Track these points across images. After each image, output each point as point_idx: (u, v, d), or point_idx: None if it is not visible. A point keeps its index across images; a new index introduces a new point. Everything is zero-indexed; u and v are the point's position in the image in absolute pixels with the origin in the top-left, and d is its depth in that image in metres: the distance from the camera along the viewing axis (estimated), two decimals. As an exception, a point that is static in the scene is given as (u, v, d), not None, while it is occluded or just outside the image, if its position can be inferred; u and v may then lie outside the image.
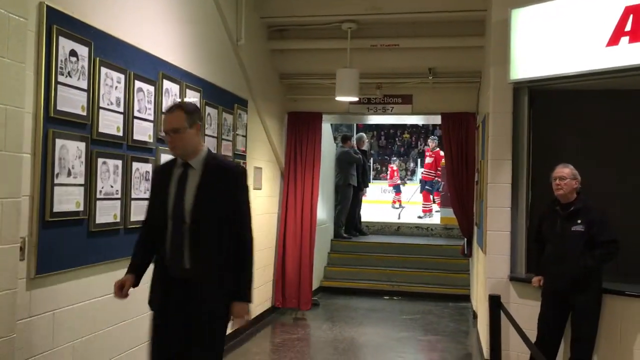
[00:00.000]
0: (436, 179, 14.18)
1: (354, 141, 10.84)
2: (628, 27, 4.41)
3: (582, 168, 4.63)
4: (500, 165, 5.36)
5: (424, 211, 14.36)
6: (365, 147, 11.20)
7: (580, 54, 4.73)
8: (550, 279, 4.64)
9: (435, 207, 14.42)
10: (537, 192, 5.39)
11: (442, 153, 13.10)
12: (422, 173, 14.97)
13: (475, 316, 7.38)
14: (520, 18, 5.14)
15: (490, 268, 5.37)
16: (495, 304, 3.68)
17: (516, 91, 5.35)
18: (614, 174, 5.32)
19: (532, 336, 4.55)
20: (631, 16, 4.40)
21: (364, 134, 11.69)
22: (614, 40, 4.50)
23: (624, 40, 4.44)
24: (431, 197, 14.50)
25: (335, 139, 10.73)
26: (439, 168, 13.61)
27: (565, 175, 4.50)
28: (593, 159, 5.23)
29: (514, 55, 5.16)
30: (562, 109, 5.52)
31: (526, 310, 4.97)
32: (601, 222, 4.42)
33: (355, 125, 14.02)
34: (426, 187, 14.68)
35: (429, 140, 15.01)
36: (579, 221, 4.45)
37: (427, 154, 14.42)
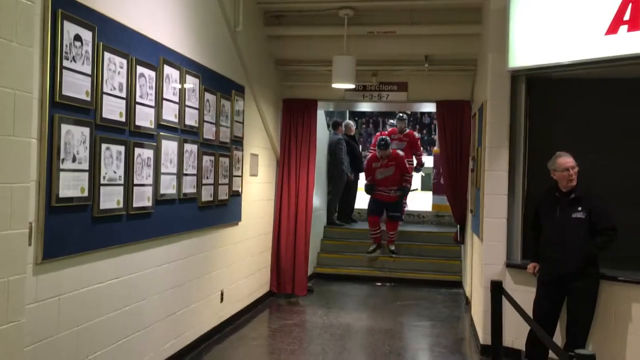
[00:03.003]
0: (418, 166, 11.18)
1: (344, 127, 10.81)
2: (627, 16, 4.45)
3: (576, 155, 4.69)
4: (498, 152, 5.42)
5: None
6: (353, 133, 11.17)
7: (579, 42, 4.77)
8: (548, 266, 4.71)
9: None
10: (532, 179, 5.46)
11: (417, 134, 11.39)
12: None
13: (467, 302, 7.47)
14: (519, 6, 5.17)
15: (487, 255, 5.43)
16: (497, 289, 3.73)
17: (514, 79, 5.40)
18: (609, 162, 5.37)
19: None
20: (630, 5, 4.44)
21: (350, 121, 11.62)
22: (612, 29, 4.54)
23: (623, 28, 4.48)
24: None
25: (328, 125, 10.72)
26: (418, 152, 10.99)
27: (575, 164, 4.56)
28: (588, 147, 5.28)
29: (512, 43, 5.19)
30: (559, 97, 5.56)
31: (521, 296, 5.01)
32: (601, 209, 4.49)
33: (347, 112, 13.64)
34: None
35: (395, 121, 11.12)
36: (580, 208, 4.52)
37: (393, 137, 10.55)
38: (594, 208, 4.53)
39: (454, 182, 7.84)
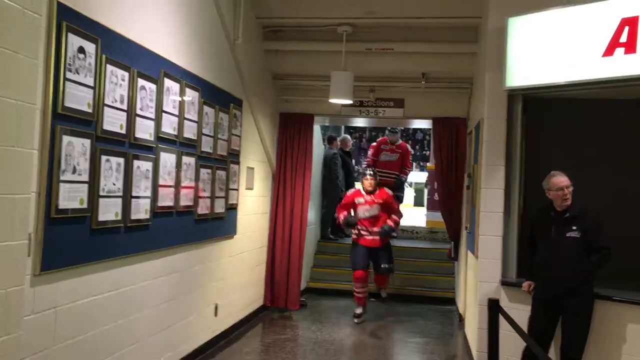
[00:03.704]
0: (403, 177, 10.60)
1: (339, 142, 10.87)
2: (623, 39, 4.51)
3: (572, 174, 4.71)
4: (494, 170, 5.44)
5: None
6: (349, 148, 11.22)
7: (576, 63, 4.82)
8: (544, 284, 4.72)
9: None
10: (528, 197, 5.48)
11: (410, 148, 11.20)
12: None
13: (461, 319, 7.47)
14: (517, 26, 5.22)
15: (482, 272, 5.44)
16: (495, 307, 3.73)
17: (511, 98, 5.43)
18: (603, 181, 5.41)
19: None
20: (627, 28, 4.50)
21: (348, 136, 11.70)
22: (609, 51, 4.60)
23: (620, 51, 4.54)
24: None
25: (323, 140, 10.76)
26: (407, 168, 10.56)
27: (569, 184, 4.59)
28: (583, 166, 5.31)
29: (509, 63, 5.23)
30: (555, 116, 5.61)
31: (516, 314, 4.99)
32: (597, 228, 4.52)
33: (343, 127, 13.66)
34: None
35: (387, 133, 10.81)
36: (574, 227, 4.54)
37: (384, 147, 10.30)
38: (590, 227, 4.55)
39: (449, 199, 7.87)
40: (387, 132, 10.81)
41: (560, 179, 4.65)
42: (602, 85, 4.76)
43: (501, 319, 4.23)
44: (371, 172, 7.80)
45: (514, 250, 5.41)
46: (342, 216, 7.71)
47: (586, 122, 5.50)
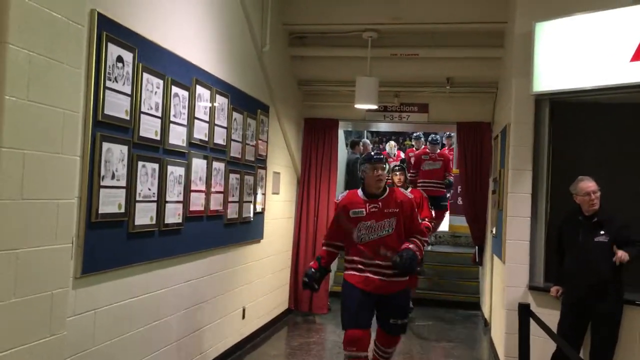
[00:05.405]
0: (450, 178, 10.08)
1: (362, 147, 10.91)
2: (653, 43, 4.51)
3: (600, 179, 4.71)
4: (521, 175, 5.45)
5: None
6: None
7: (604, 68, 4.82)
8: (572, 289, 4.71)
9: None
10: (555, 202, 5.48)
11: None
12: (419, 185, 9.32)
13: (486, 323, 7.45)
14: (544, 31, 5.23)
15: (509, 277, 5.44)
16: (525, 312, 3.75)
17: (538, 103, 5.43)
18: (631, 186, 5.38)
19: (551, 344, 4.62)
20: (656, 32, 4.49)
21: (367, 140, 11.78)
22: (638, 56, 4.60)
23: (649, 55, 4.53)
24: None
25: (346, 145, 10.82)
26: (449, 173, 10.00)
27: (597, 189, 4.59)
28: (610, 171, 5.30)
29: (537, 68, 5.24)
30: (583, 121, 5.59)
31: (544, 319, 5.00)
32: (627, 231, 4.51)
33: (365, 131, 13.71)
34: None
35: (429, 145, 10.05)
36: (602, 232, 4.54)
37: (424, 157, 9.89)
38: (619, 232, 4.53)
39: (474, 203, 7.87)
40: (428, 143, 10.15)
41: (588, 184, 4.64)
42: (630, 90, 4.75)
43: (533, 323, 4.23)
44: (378, 158, 4.66)
45: (542, 255, 5.40)
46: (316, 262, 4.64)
47: (614, 127, 5.47)
